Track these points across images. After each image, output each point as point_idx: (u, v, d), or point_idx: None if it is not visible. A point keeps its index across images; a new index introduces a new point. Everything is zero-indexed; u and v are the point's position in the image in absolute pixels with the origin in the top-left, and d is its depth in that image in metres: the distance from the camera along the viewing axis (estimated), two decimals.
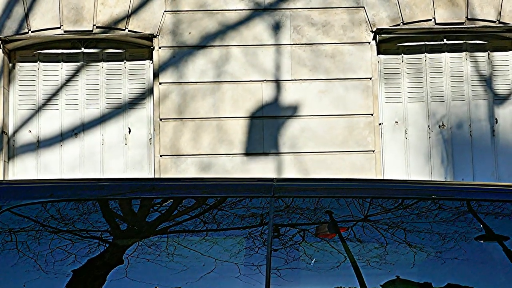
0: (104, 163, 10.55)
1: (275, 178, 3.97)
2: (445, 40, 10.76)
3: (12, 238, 3.59)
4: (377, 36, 10.52)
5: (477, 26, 10.58)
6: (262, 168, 10.23)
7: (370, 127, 10.38)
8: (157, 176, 10.21)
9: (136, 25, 10.53)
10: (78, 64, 10.73)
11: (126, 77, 10.72)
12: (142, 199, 3.82)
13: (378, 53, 10.68)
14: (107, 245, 3.65)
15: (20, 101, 10.67)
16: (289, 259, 3.53)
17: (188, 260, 3.55)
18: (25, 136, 10.63)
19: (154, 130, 10.45)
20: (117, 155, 10.57)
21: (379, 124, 10.52)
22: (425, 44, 10.78)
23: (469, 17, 10.58)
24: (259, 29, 10.55)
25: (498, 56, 10.80)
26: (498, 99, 10.72)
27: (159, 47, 10.50)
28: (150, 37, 10.52)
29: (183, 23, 10.55)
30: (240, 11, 10.58)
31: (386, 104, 10.69)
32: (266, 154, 10.29)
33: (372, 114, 10.41)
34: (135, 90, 10.71)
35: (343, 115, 10.39)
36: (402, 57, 10.78)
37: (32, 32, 10.51)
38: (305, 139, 10.32)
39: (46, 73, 10.71)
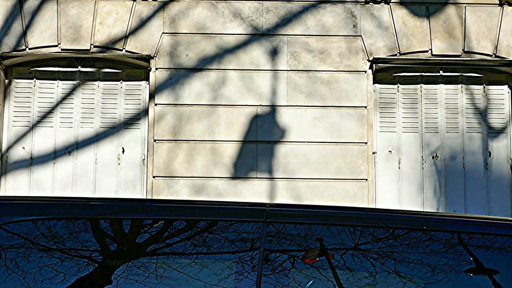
0: (97, 182, 10.53)
1: (268, 203, 3.97)
2: (441, 71, 10.80)
3: (2, 254, 3.57)
4: (374, 65, 10.56)
5: (474, 59, 10.63)
6: (254, 193, 10.22)
7: (364, 155, 10.39)
8: (149, 197, 10.18)
9: (133, 45, 10.55)
10: (74, 82, 10.74)
11: (122, 97, 10.73)
12: (133, 219, 3.82)
13: (374, 82, 10.71)
14: (96, 265, 3.63)
15: (15, 117, 10.66)
16: (278, 285, 3.52)
17: (177, 283, 3.54)
18: (19, 152, 10.61)
19: (147, 151, 10.45)
20: (110, 174, 10.55)
21: (373, 153, 10.53)
22: (421, 75, 10.82)
23: (465, 49, 10.63)
24: (257, 54, 10.58)
25: (494, 89, 10.84)
26: (492, 133, 10.75)
27: (156, 69, 10.52)
28: (147, 58, 10.54)
29: (181, 45, 10.58)
30: (238, 35, 10.61)
31: (381, 133, 10.71)
32: (259, 178, 10.28)
33: (366, 143, 10.42)
34: (130, 111, 10.71)
35: (337, 142, 10.40)
36: (398, 87, 10.81)
37: (30, 49, 10.52)
38: (299, 165, 10.32)
39: (42, 91, 10.71)
